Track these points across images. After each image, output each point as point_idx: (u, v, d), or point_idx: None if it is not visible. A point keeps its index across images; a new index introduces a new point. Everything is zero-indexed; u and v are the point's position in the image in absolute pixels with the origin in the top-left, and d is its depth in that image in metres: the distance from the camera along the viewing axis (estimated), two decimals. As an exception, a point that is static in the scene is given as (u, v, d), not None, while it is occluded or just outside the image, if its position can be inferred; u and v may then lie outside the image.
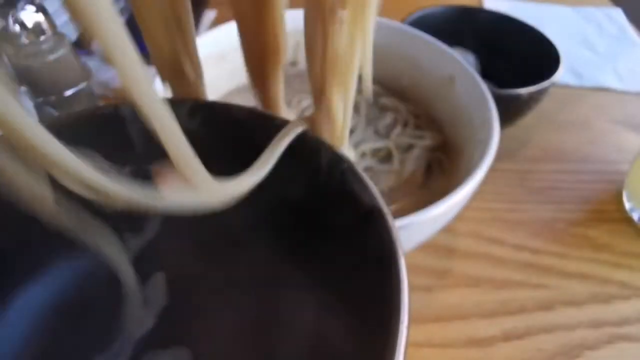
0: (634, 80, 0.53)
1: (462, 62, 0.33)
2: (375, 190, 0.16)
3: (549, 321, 0.32)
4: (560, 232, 0.38)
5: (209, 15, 0.62)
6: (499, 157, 0.43)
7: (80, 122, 0.18)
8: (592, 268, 0.35)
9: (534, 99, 0.38)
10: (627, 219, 0.38)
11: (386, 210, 0.15)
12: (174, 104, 0.14)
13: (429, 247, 0.36)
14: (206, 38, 0.36)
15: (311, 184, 0.18)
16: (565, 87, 0.52)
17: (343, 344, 0.17)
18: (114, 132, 0.18)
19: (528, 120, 0.47)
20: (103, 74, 0.46)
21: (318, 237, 0.18)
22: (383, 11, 0.50)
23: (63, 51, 0.39)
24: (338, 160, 0.17)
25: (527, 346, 0.30)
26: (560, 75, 0.39)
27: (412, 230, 0.23)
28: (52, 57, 0.38)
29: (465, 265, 0.35)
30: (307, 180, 0.18)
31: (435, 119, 0.36)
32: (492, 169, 0.42)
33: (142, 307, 0.21)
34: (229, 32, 0.37)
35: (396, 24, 0.38)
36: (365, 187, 0.16)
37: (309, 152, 0.17)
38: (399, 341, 0.12)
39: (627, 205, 0.39)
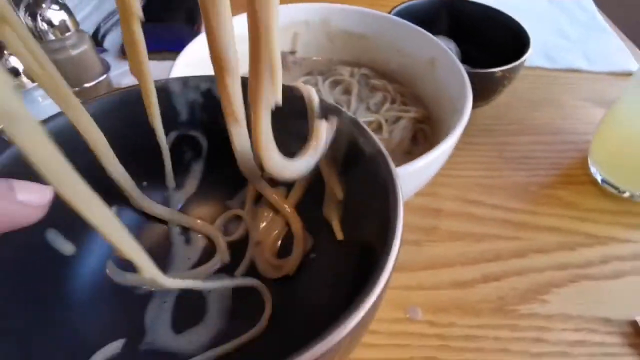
0: (603, 62, 0.58)
1: (441, 46, 0.38)
2: (377, 139, 0.20)
3: (522, 266, 0.36)
4: (532, 193, 0.42)
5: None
6: (478, 133, 0.49)
7: (132, 94, 0.23)
8: (561, 222, 0.40)
9: (506, 77, 0.43)
10: (592, 181, 0.43)
11: (386, 153, 0.20)
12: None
13: (418, 209, 0.40)
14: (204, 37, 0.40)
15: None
16: (539, 69, 0.57)
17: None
18: (162, 103, 0.22)
19: (505, 99, 0.52)
20: (118, 68, 0.51)
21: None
22: (373, 4, 0.56)
23: (85, 47, 0.43)
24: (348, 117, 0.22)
25: (502, 286, 0.35)
26: (530, 56, 0.44)
27: (402, 180, 0.28)
28: (75, 52, 0.43)
29: (450, 223, 0.40)
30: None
31: (419, 96, 0.41)
32: (473, 143, 0.47)
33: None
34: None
35: (384, 14, 0.43)
36: (370, 137, 0.21)
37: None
38: (397, 224, 0.17)
39: (592, 169, 0.44)
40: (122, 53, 0.56)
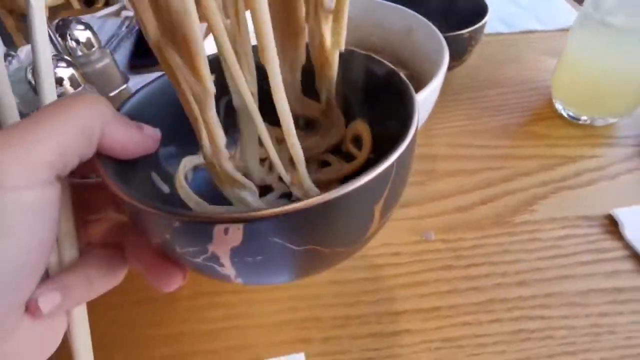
0: (551, 21, 0.66)
1: (417, 16, 0.45)
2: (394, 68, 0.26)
3: (511, 188, 0.43)
4: (511, 132, 0.50)
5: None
6: (458, 91, 0.56)
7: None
8: (538, 150, 0.47)
9: (472, 37, 0.50)
10: (558, 115, 0.51)
11: (402, 75, 0.26)
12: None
13: (417, 156, 0.47)
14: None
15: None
16: (499, 34, 0.65)
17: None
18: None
19: (475, 61, 0.60)
20: (133, 79, 0.56)
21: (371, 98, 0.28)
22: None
23: (107, 60, 0.49)
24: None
25: (497, 205, 0.42)
26: (490, 22, 0.51)
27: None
28: (99, 65, 0.48)
29: (445, 164, 0.46)
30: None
31: (401, 60, 0.47)
32: (455, 100, 0.55)
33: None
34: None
35: (362, -1, 0.50)
36: (383, 62, 0.27)
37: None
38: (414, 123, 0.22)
39: (556, 105, 0.51)
40: (130, 67, 0.62)
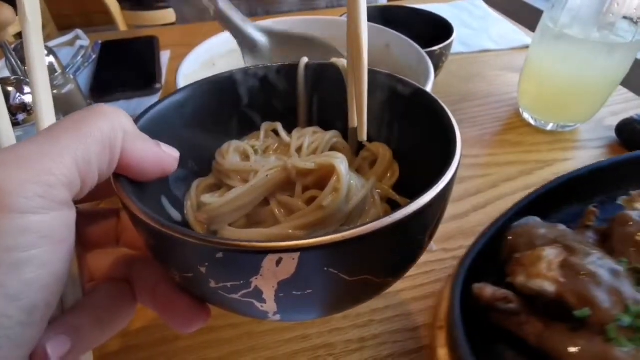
0: (504, 41, 0.72)
1: (393, 32, 0.47)
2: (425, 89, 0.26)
3: (498, 193, 0.44)
4: (487, 141, 0.52)
5: (165, 56, 0.70)
6: (431, 106, 0.57)
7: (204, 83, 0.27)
8: (515, 157, 0.49)
9: (443, 54, 0.52)
10: (527, 124, 0.54)
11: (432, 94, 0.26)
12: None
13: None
14: (200, 48, 0.45)
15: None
16: (460, 54, 0.69)
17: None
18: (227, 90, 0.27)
19: (444, 79, 0.62)
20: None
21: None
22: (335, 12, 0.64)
23: (71, 86, 0.45)
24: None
25: (488, 210, 0.42)
26: (455, 39, 0.54)
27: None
28: (63, 91, 0.44)
29: (433, 175, 0.47)
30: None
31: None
32: (429, 114, 0.56)
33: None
34: (217, 43, 0.47)
35: (342, 18, 0.51)
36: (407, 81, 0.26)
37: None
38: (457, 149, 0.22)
39: (524, 115, 0.54)
40: (91, 92, 0.58)
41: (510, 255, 0.30)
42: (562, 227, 0.31)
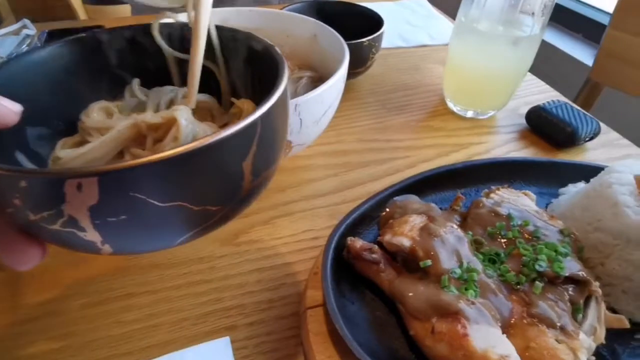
0: (441, 37, 0.76)
1: (320, 23, 0.50)
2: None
3: (414, 172, 0.47)
4: (412, 127, 0.55)
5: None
6: (365, 96, 0.61)
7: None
8: (435, 141, 0.53)
9: (372, 46, 0.56)
10: (450, 112, 0.58)
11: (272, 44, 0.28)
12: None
13: (331, 153, 0.50)
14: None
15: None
16: (400, 48, 0.73)
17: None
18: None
19: (380, 70, 0.66)
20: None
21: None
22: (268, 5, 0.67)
23: None
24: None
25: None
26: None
27: (307, 107, 0.37)
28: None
29: (356, 157, 0.50)
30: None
31: (311, 65, 0.51)
32: (363, 102, 0.60)
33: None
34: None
35: (274, 10, 0.54)
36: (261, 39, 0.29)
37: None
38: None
39: (448, 103, 0.59)
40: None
41: (386, 222, 0.34)
42: (434, 206, 0.36)
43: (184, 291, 0.35)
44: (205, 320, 0.33)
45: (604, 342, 0.28)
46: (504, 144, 0.53)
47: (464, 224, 0.35)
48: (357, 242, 0.32)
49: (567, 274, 0.28)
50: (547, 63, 1.23)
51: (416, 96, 0.61)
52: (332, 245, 0.33)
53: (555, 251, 0.30)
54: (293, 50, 0.53)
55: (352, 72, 0.58)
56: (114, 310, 0.34)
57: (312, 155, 0.50)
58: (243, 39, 0.30)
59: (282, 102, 0.23)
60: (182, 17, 0.31)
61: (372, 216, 0.37)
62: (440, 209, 0.38)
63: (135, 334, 0.32)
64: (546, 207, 0.40)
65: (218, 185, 0.21)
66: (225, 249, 0.39)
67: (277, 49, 0.28)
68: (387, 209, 0.37)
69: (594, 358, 0.28)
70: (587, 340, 0.27)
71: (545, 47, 1.29)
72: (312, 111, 0.39)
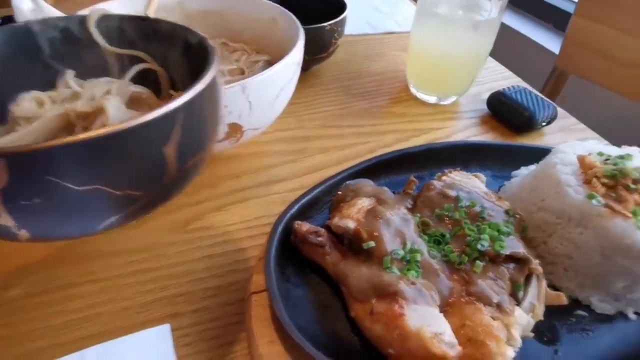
0: (407, 25, 0.76)
1: (279, 7, 0.49)
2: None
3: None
4: (375, 113, 0.55)
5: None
6: (329, 82, 0.61)
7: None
8: (397, 127, 0.53)
9: (335, 30, 0.55)
10: (413, 98, 0.58)
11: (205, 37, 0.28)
12: None
13: (290, 139, 0.50)
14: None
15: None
16: (366, 35, 0.72)
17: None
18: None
19: (345, 56, 0.65)
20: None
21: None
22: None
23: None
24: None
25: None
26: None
27: (256, 89, 0.36)
28: None
29: (317, 143, 0.49)
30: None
31: (268, 48, 0.50)
32: (327, 89, 0.59)
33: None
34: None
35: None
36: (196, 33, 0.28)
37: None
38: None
39: (412, 89, 0.58)
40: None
41: (337, 206, 0.34)
42: (387, 189, 0.36)
43: (129, 280, 0.34)
44: (149, 308, 0.32)
45: (542, 318, 0.28)
46: (465, 129, 0.53)
47: (414, 207, 0.35)
48: (304, 226, 0.32)
49: (507, 253, 0.29)
50: (515, 51, 1.25)
51: (380, 83, 0.61)
52: (279, 229, 0.32)
53: (498, 231, 0.30)
54: (253, 34, 0.52)
55: (315, 58, 0.57)
56: (55, 300, 0.33)
57: (270, 141, 0.49)
58: (180, 32, 0.29)
59: (211, 90, 0.23)
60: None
61: (324, 200, 0.37)
62: (394, 192, 0.38)
63: (76, 324, 0.31)
64: (499, 189, 0.40)
65: (138, 170, 0.20)
66: (175, 236, 0.38)
67: (210, 41, 0.27)
68: (340, 193, 0.37)
69: (532, 334, 0.29)
70: (524, 317, 0.28)
71: (514, 35, 1.31)
72: (263, 94, 0.38)
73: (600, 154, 0.33)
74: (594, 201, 0.29)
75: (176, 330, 0.31)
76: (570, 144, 0.35)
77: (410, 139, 0.51)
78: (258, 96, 0.37)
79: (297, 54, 0.40)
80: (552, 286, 0.32)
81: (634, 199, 0.29)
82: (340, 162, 0.47)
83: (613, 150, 0.34)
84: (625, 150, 0.34)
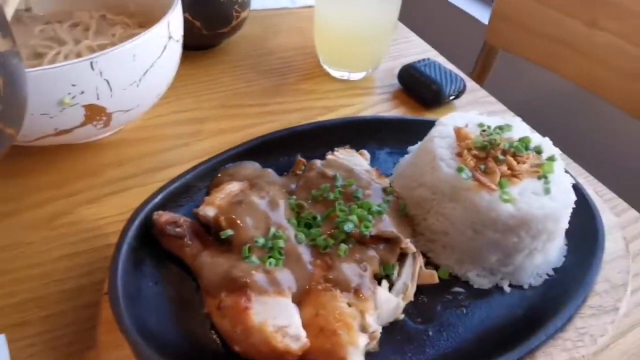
0: None
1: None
2: None
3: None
4: (282, 91, 0.52)
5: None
6: (239, 59, 0.57)
7: None
8: (304, 104, 0.50)
9: (234, 2, 0.51)
10: (325, 74, 0.55)
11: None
12: None
13: (185, 121, 0.46)
14: None
15: None
16: (284, 9, 0.69)
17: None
18: None
19: (259, 32, 0.62)
20: None
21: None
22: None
23: None
24: None
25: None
26: None
27: (110, 66, 0.32)
28: None
29: (214, 124, 0.46)
30: None
31: (153, 22, 0.46)
32: (234, 67, 0.55)
33: None
34: None
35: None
36: None
37: None
38: None
39: (324, 65, 0.56)
40: None
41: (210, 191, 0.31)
42: (270, 171, 0.33)
43: (-29, 286, 0.30)
44: (-9, 318, 0.29)
45: (412, 299, 0.27)
46: (375, 105, 0.51)
47: (297, 189, 0.33)
48: (163, 216, 0.29)
49: (372, 233, 0.27)
50: (448, 24, 1.24)
51: (293, 59, 0.58)
52: (136, 222, 0.29)
53: (369, 210, 0.29)
54: (138, 6, 0.47)
55: (218, 33, 0.53)
56: None
57: (162, 124, 0.45)
58: None
59: None
60: None
61: (198, 186, 0.34)
62: (284, 174, 0.36)
63: None
64: (394, 165, 0.39)
65: None
66: (36, 233, 0.34)
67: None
68: (219, 175, 0.34)
69: (402, 316, 0.28)
70: (393, 300, 0.26)
71: (450, 8, 1.30)
72: (121, 72, 0.34)
73: (480, 124, 0.32)
74: (462, 174, 0.28)
75: (20, 340, 0.28)
76: (452, 115, 0.33)
77: (317, 117, 0.48)
78: (116, 74, 0.33)
79: (162, 27, 0.36)
80: (433, 264, 0.31)
81: (501, 171, 0.28)
82: (236, 144, 0.44)
83: (495, 121, 0.33)
84: (506, 120, 0.33)
